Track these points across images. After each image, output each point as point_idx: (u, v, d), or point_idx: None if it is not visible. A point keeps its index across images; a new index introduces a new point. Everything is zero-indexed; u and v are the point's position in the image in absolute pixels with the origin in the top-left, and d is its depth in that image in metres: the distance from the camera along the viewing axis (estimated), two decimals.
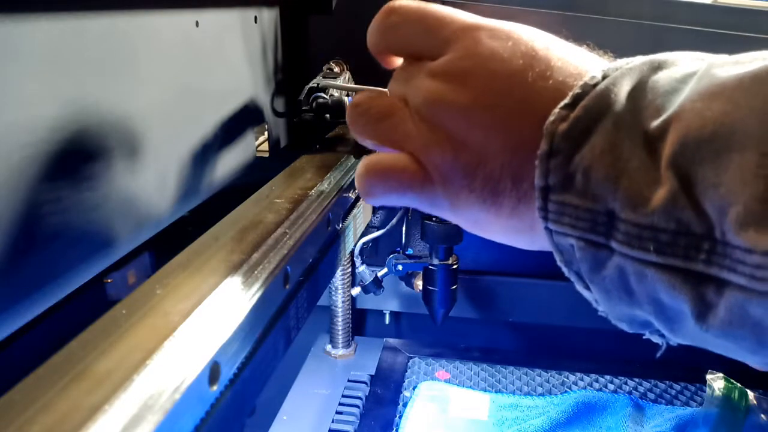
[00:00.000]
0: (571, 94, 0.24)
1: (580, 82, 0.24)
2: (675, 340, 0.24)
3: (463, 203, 0.28)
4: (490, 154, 0.27)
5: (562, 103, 0.24)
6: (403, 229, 0.78)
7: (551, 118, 0.24)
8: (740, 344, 0.21)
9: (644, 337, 0.25)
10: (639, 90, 0.23)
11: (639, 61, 0.24)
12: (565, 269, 0.25)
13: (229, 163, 0.47)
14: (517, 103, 0.26)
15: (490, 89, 0.27)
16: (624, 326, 0.25)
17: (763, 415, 0.62)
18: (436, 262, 0.71)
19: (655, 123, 0.22)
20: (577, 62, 0.26)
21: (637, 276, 0.22)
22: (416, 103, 0.29)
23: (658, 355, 0.25)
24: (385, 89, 0.32)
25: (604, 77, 0.24)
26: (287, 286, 0.29)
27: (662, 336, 0.24)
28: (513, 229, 0.28)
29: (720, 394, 0.63)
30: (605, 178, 0.22)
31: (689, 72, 0.23)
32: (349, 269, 0.78)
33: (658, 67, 0.24)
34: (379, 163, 0.30)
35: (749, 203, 0.19)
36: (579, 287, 0.25)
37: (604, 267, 0.23)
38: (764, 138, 0.19)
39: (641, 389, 0.72)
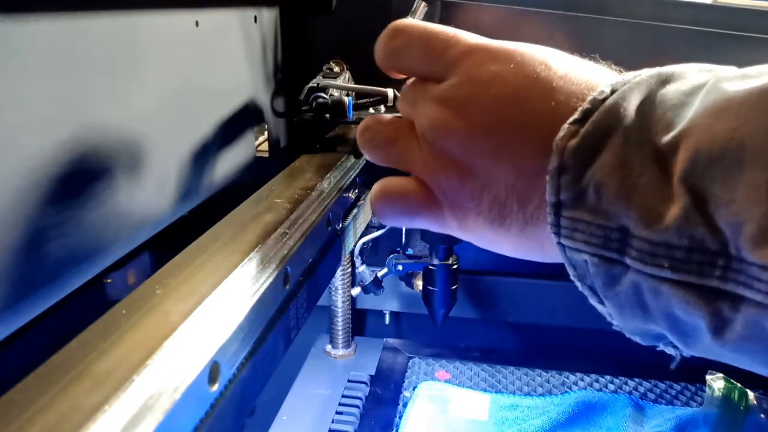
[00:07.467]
0: (580, 109, 0.24)
1: (589, 97, 0.24)
2: (689, 352, 0.24)
3: (471, 224, 0.29)
4: (494, 178, 0.27)
5: (571, 119, 0.24)
6: (403, 229, 0.78)
7: (560, 133, 0.24)
8: (754, 358, 0.21)
9: (658, 349, 0.25)
10: (647, 104, 0.23)
11: (647, 74, 0.24)
12: (578, 284, 0.25)
13: (228, 163, 0.47)
14: (519, 127, 0.26)
15: (492, 115, 0.27)
16: (637, 339, 0.25)
17: (763, 415, 0.62)
18: (436, 262, 0.71)
19: (666, 138, 0.22)
20: (581, 79, 0.26)
21: (652, 292, 0.22)
22: (422, 129, 0.29)
23: (672, 366, 0.26)
24: (386, 89, 0.32)
25: (612, 92, 0.24)
26: (287, 286, 0.29)
27: (675, 348, 0.24)
28: (523, 246, 0.28)
29: (720, 394, 0.63)
30: (617, 194, 0.22)
31: (697, 84, 0.23)
32: (349, 269, 0.78)
33: (665, 80, 0.24)
34: (388, 188, 0.31)
35: (762, 222, 0.19)
36: (593, 301, 0.25)
37: (619, 283, 0.23)
38: None
39: (641, 389, 0.72)
